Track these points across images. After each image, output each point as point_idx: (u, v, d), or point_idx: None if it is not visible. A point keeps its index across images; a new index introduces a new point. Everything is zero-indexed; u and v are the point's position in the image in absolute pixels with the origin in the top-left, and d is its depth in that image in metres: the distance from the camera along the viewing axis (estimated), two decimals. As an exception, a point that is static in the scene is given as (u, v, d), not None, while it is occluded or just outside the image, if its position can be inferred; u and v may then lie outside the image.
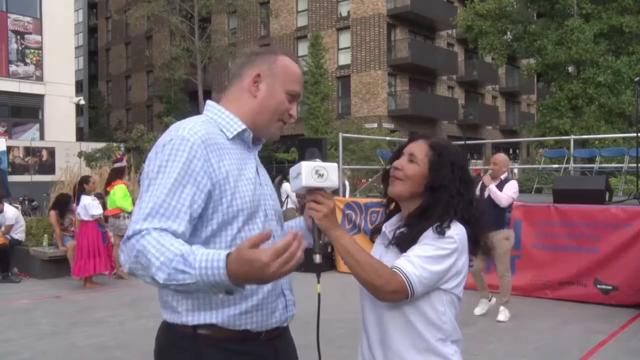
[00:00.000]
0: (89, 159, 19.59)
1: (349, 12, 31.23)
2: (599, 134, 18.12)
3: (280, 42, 32.49)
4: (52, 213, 8.83)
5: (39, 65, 22.93)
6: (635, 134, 9.71)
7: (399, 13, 30.88)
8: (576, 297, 6.89)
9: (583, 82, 20.03)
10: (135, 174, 12.57)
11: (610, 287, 6.74)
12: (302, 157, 1.70)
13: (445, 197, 1.74)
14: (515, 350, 5.23)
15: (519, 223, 7.35)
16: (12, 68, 22.37)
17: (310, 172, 1.61)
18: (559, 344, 5.38)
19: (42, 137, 22.82)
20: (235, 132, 1.69)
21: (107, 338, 5.66)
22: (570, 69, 21.66)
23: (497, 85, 39.76)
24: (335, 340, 5.14)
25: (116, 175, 9.02)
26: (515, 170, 25.16)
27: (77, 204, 8.25)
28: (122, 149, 22.39)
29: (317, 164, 1.63)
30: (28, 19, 22.77)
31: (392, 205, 1.92)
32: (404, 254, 1.70)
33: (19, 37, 22.52)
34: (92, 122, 44.19)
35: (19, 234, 9.23)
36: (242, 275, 1.34)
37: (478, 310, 6.47)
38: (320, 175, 1.61)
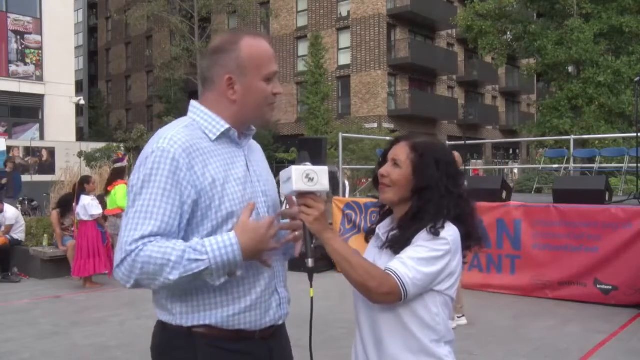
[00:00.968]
0: (89, 159, 19.59)
1: (349, 12, 31.23)
2: (599, 134, 18.12)
3: (280, 42, 32.49)
4: (54, 213, 8.85)
5: (39, 65, 22.92)
6: (635, 134, 9.71)
7: (399, 13, 30.88)
8: (576, 297, 6.89)
9: (583, 82, 20.03)
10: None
11: (610, 287, 6.74)
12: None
13: (435, 197, 1.72)
14: (515, 350, 5.23)
15: (519, 223, 7.36)
16: (12, 68, 22.37)
17: (300, 176, 1.60)
18: (559, 344, 5.38)
19: (42, 137, 22.82)
20: (218, 134, 1.67)
21: (107, 338, 5.66)
22: (570, 69, 21.66)
23: (497, 85, 39.77)
24: (335, 341, 5.14)
25: (117, 175, 9.04)
26: (515, 170, 25.17)
27: (77, 203, 8.25)
28: (122, 149, 22.42)
29: (308, 167, 1.62)
30: (28, 19, 22.77)
31: (386, 207, 1.91)
32: (397, 255, 1.70)
33: (19, 37, 22.52)
34: (92, 122, 44.20)
35: (19, 234, 9.23)
36: (251, 244, 1.53)
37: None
38: (311, 179, 1.61)
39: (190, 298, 1.60)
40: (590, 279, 6.86)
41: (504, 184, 7.82)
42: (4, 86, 21.85)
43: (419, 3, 30.67)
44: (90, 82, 47.86)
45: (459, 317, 5.66)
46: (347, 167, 15.33)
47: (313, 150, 8.56)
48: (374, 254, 1.82)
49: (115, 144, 23.11)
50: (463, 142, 16.09)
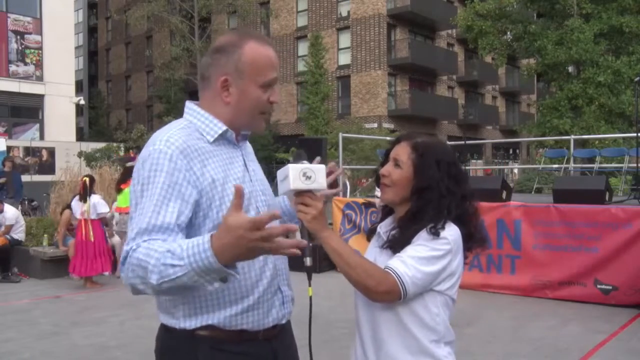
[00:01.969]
0: (89, 159, 19.59)
1: (349, 12, 31.24)
2: (599, 134, 18.11)
3: (280, 42, 32.49)
4: (67, 212, 8.77)
5: (39, 65, 22.93)
6: (635, 134, 9.70)
7: (399, 13, 30.89)
8: (576, 297, 6.88)
9: (583, 82, 20.03)
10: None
11: (610, 287, 6.73)
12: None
13: (435, 197, 1.71)
14: (515, 350, 5.23)
15: (519, 223, 7.36)
16: (12, 68, 22.37)
17: (297, 175, 1.59)
18: (559, 344, 5.38)
19: (42, 137, 22.82)
20: (215, 135, 1.66)
21: (107, 338, 5.66)
22: (570, 69, 21.66)
23: (497, 85, 39.78)
24: (337, 341, 5.13)
25: (130, 173, 9.08)
26: (515, 170, 25.16)
27: (85, 202, 8.19)
28: (122, 149, 22.43)
29: (305, 166, 1.61)
30: (28, 19, 22.77)
31: (388, 207, 1.91)
32: (397, 254, 1.69)
33: (19, 37, 22.52)
34: (92, 122, 44.20)
35: (19, 234, 9.23)
36: (227, 248, 1.30)
37: None
38: (308, 178, 1.60)
39: (192, 300, 1.60)
40: (590, 279, 6.85)
41: (504, 184, 7.82)
42: (4, 86, 21.85)
43: (419, 3, 30.68)
44: (90, 82, 47.87)
45: None
46: (347, 167, 15.33)
47: (313, 150, 8.55)
48: (375, 253, 1.82)
49: (115, 144, 23.11)
50: (463, 142, 16.09)
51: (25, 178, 15.76)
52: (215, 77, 1.66)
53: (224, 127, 1.67)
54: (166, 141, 1.57)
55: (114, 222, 9.21)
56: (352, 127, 26.47)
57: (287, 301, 1.75)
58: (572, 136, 12.75)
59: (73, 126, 24.45)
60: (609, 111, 19.95)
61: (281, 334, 1.75)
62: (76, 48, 29.71)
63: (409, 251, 1.67)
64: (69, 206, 8.94)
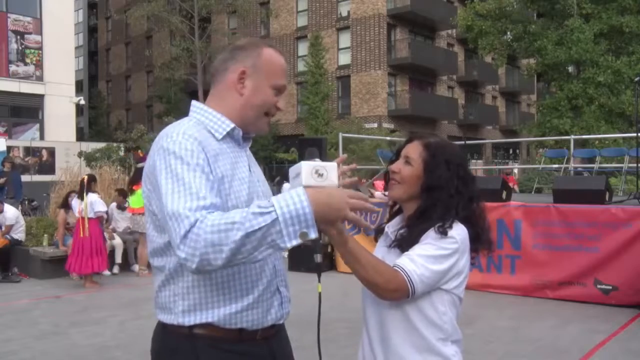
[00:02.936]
0: (89, 159, 19.60)
1: (349, 12, 31.23)
2: (599, 134, 18.11)
3: (280, 42, 32.47)
4: (62, 212, 8.85)
5: (39, 65, 22.93)
6: (635, 134, 9.71)
7: (399, 13, 30.88)
8: (576, 297, 6.89)
9: (583, 82, 20.04)
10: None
11: (610, 287, 6.74)
12: (302, 157, 1.70)
13: (444, 197, 1.74)
14: (515, 350, 5.23)
15: (519, 223, 7.36)
16: (12, 68, 22.37)
17: (310, 172, 1.61)
18: (559, 344, 5.38)
19: (42, 137, 22.83)
20: (224, 132, 1.69)
21: (107, 338, 5.66)
22: (570, 69, 21.66)
23: (497, 85, 39.76)
24: (337, 341, 5.13)
25: (140, 175, 9.11)
26: (515, 170, 25.16)
27: (82, 200, 8.20)
28: (122, 149, 22.43)
29: (317, 163, 1.63)
30: (28, 19, 22.77)
31: (396, 207, 1.92)
32: (406, 252, 1.71)
33: (19, 37, 22.52)
34: (92, 122, 44.21)
35: (19, 234, 9.23)
36: (322, 203, 1.44)
37: None
38: (320, 175, 1.61)
39: (192, 295, 1.60)
40: (590, 279, 6.85)
41: (504, 184, 7.83)
42: (4, 86, 21.86)
43: (419, 3, 30.67)
44: (90, 82, 47.86)
45: None
46: (347, 167, 15.30)
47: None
48: (382, 253, 1.83)
49: (115, 144, 23.11)
50: (463, 142, 16.08)
51: (25, 178, 15.76)
52: (233, 69, 1.71)
53: (232, 125, 1.70)
54: (183, 133, 1.59)
55: (126, 223, 9.30)
56: (352, 127, 26.45)
57: (285, 302, 1.76)
58: (572, 136, 12.75)
59: (73, 126, 24.45)
60: (609, 111, 19.95)
61: (278, 334, 1.76)
62: (76, 48, 29.71)
63: (417, 250, 1.69)
64: (63, 206, 8.95)
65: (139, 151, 15.18)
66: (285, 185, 11.17)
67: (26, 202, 13.75)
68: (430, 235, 1.70)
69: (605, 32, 19.92)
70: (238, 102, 1.72)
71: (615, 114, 19.97)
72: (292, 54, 32.72)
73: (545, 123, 20.67)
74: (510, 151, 42.17)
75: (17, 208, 10.43)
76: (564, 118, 20.12)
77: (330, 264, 9.05)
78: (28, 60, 22.80)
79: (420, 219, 1.75)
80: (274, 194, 1.83)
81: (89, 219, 8.08)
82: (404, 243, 1.75)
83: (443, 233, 1.69)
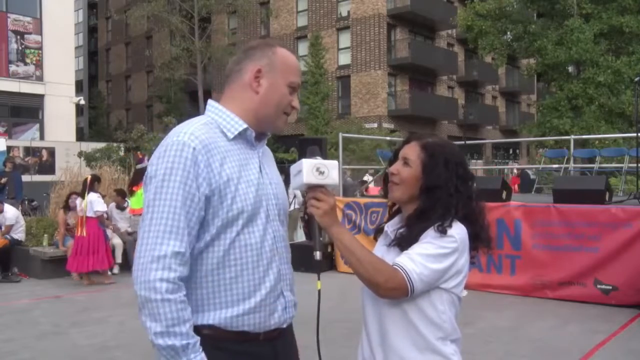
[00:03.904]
0: (89, 159, 19.60)
1: (349, 12, 31.23)
2: (599, 134, 18.10)
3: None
4: (61, 212, 8.88)
5: (39, 65, 22.93)
6: (635, 134, 9.70)
7: (399, 13, 30.88)
8: (576, 297, 6.88)
9: (583, 82, 20.02)
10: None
11: (610, 287, 6.73)
12: (302, 157, 1.70)
13: (443, 196, 1.74)
14: (515, 350, 5.23)
15: (519, 223, 7.35)
16: (12, 68, 22.38)
17: (311, 170, 1.62)
18: (559, 344, 5.38)
19: (42, 137, 22.83)
20: (236, 132, 1.69)
21: (107, 338, 5.66)
22: (570, 69, 21.65)
23: (497, 85, 39.76)
24: (336, 341, 5.13)
25: (141, 175, 9.16)
26: (515, 170, 25.15)
27: (83, 199, 8.23)
28: (122, 149, 22.42)
29: (318, 161, 1.64)
30: (28, 19, 22.77)
31: (396, 206, 1.93)
32: (405, 251, 1.71)
33: (19, 37, 22.52)
34: (92, 122, 44.19)
35: (19, 234, 9.23)
36: None
37: None
38: (321, 173, 1.62)
39: (195, 297, 1.61)
40: (590, 279, 6.85)
41: (504, 184, 7.82)
42: (4, 86, 21.86)
43: (419, 3, 30.67)
44: (90, 82, 47.84)
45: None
46: (347, 167, 15.33)
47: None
48: (382, 252, 1.84)
49: (115, 144, 23.11)
50: (463, 142, 16.06)
51: (25, 178, 15.75)
52: (249, 68, 1.73)
53: (245, 125, 1.70)
54: (190, 134, 1.60)
55: (123, 223, 9.30)
56: (352, 127, 26.46)
57: (289, 306, 1.76)
58: (572, 136, 12.74)
59: (73, 126, 24.45)
60: (609, 111, 19.94)
61: (282, 335, 1.76)
62: (76, 48, 29.71)
63: (417, 249, 1.69)
64: (63, 207, 8.98)
65: (139, 152, 15.17)
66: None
67: (26, 202, 13.74)
68: (430, 234, 1.71)
69: (605, 32, 19.90)
70: (254, 101, 1.72)
71: (615, 114, 19.96)
72: (292, 54, 32.69)
73: (545, 123, 20.66)
74: (510, 151, 42.16)
75: (17, 208, 10.43)
76: (564, 118, 20.10)
77: (330, 264, 9.05)
78: (28, 60, 22.80)
79: (419, 219, 1.75)
80: None
81: (89, 218, 8.10)
82: (403, 242, 1.75)
83: (442, 232, 1.69)
